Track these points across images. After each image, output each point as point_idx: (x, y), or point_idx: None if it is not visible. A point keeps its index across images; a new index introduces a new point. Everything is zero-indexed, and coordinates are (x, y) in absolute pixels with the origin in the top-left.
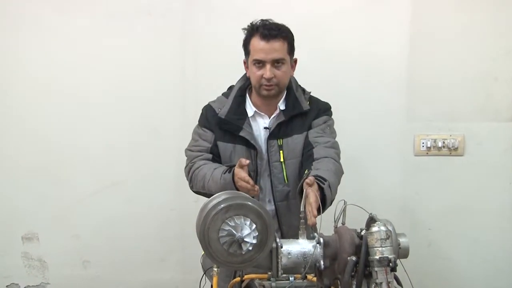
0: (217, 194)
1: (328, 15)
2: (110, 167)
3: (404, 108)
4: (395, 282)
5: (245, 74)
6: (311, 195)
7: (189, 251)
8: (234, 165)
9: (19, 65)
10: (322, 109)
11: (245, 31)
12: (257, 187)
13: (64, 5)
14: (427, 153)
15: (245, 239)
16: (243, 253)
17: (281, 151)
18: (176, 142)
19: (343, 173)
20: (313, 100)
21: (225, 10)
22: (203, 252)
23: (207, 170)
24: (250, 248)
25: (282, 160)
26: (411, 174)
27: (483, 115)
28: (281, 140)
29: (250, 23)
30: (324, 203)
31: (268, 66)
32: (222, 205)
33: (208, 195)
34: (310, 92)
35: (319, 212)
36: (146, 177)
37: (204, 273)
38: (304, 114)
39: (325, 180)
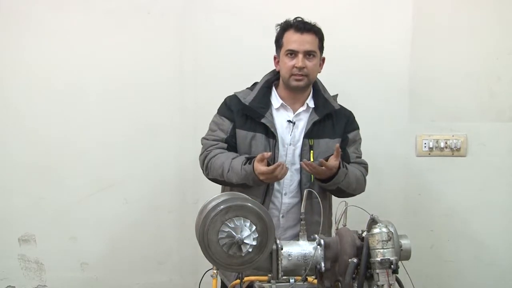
0: (216, 195)
1: (329, 16)
2: (108, 168)
3: (406, 108)
4: (396, 284)
5: (273, 70)
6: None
7: (187, 253)
8: (253, 157)
9: (15, 63)
10: (350, 119)
11: (278, 27)
12: (282, 164)
13: (63, 2)
14: (429, 154)
15: (244, 241)
16: (243, 255)
17: (311, 151)
18: (174, 143)
19: (363, 190)
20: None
21: (225, 9)
22: None
23: (225, 159)
24: (250, 250)
25: (312, 160)
26: (413, 175)
27: (486, 115)
28: (312, 140)
29: (285, 20)
30: (331, 178)
31: (300, 56)
32: (221, 207)
33: (225, 183)
34: (337, 95)
35: (323, 181)
36: (145, 178)
37: (205, 273)
38: (333, 116)
39: (346, 168)
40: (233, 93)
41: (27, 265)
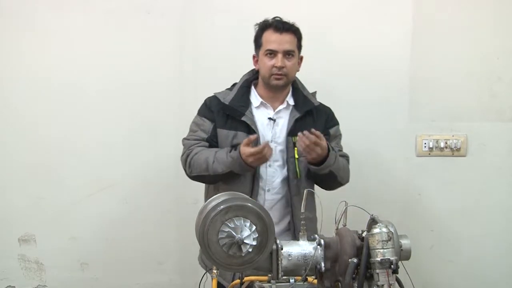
0: (216, 196)
1: (330, 15)
2: (108, 168)
3: (406, 108)
4: (396, 284)
5: (252, 70)
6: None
7: (187, 253)
8: (237, 145)
9: (15, 63)
10: (330, 115)
11: (257, 27)
12: (268, 143)
13: (63, 2)
14: (429, 154)
15: (245, 241)
16: (243, 255)
17: (295, 148)
18: (174, 142)
19: (348, 180)
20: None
21: (225, 9)
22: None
23: (209, 153)
24: (250, 250)
25: (296, 156)
26: (413, 175)
27: (486, 115)
28: (295, 137)
29: (263, 20)
30: (322, 162)
31: (279, 56)
32: (221, 207)
33: (210, 177)
34: (315, 92)
35: (316, 165)
36: (145, 178)
37: (205, 273)
38: (313, 112)
39: (335, 151)
40: (212, 94)
41: (27, 265)
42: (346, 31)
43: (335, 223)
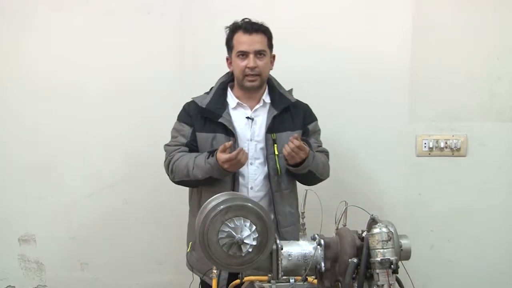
0: (216, 196)
1: (329, 15)
2: (108, 168)
3: (406, 108)
4: (396, 284)
5: (228, 72)
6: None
7: None
8: (215, 150)
9: (16, 63)
10: (308, 111)
11: (227, 30)
12: (242, 149)
13: (63, 2)
14: (429, 154)
15: (245, 241)
16: (243, 255)
17: (275, 145)
18: None
19: (328, 175)
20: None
21: (225, 10)
22: (188, 250)
23: (188, 159)
24: (250, 250)
25: (276, 153)
26: (413, 175)
27: (486, 115)
28: (274, 134)
29: (233, 22)
30: (301, 163)
31: (251, 56)
32: (221, 207)
33: (192, 182)
34: (291, 89)
35: (294, 165)
36: (145, 178)
37: (204, 274)
38: (291, 109)
39: (312, 150)
40: (191, 99)
41: (27, 265)
42: (346, 31)
43: (335, 223)
